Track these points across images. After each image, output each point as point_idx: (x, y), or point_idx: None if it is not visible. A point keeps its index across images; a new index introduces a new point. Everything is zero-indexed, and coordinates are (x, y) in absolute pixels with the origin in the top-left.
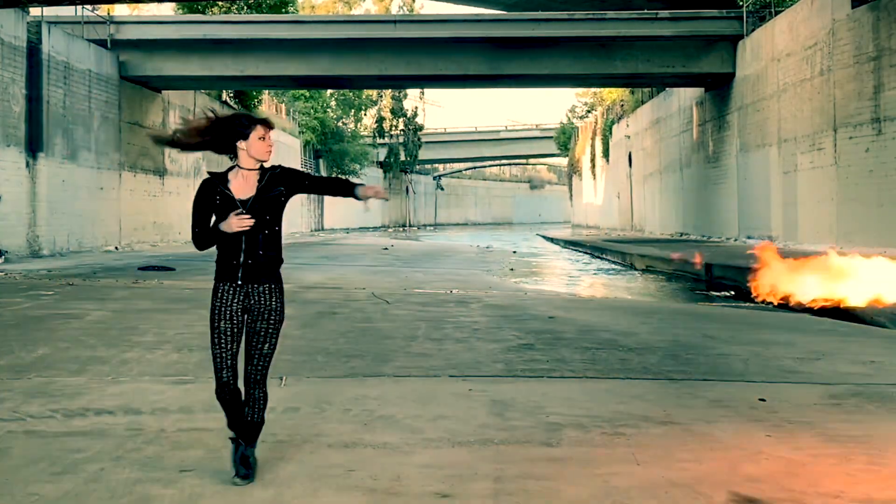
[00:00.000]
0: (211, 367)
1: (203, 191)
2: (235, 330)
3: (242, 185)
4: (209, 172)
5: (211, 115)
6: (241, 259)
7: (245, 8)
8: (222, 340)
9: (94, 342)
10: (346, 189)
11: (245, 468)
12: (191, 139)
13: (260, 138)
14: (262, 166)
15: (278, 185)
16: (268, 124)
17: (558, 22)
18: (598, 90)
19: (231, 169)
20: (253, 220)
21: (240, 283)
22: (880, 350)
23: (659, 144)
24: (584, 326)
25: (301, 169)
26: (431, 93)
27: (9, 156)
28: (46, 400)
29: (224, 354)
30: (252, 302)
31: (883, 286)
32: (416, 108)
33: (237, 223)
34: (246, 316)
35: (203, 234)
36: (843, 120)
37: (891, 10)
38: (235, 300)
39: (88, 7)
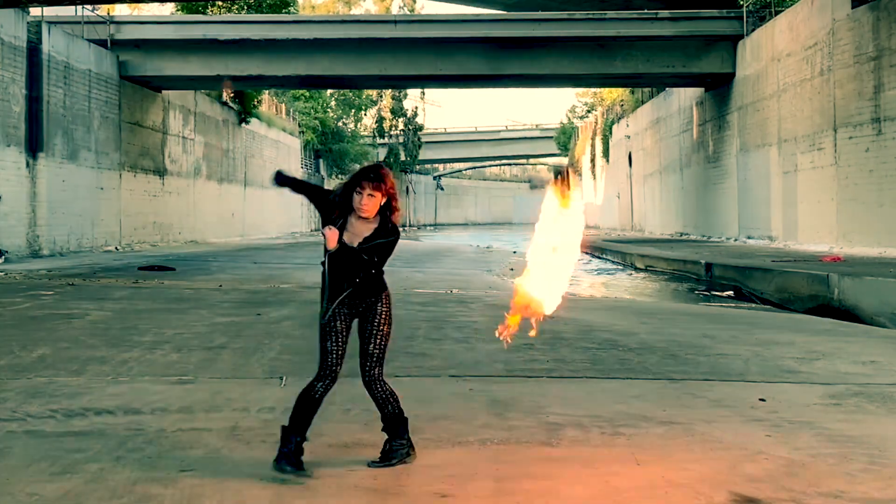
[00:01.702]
0: (212, 366)
1: None
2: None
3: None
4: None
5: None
6: None
7: (245, 8)
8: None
9: (94, 342)
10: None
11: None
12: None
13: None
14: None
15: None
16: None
17: (558, 22)
18: (598, 90)
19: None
20: None
21: None
22: (880, 350)
23: (659, 144)
24: (584, 326)
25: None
26: (431, 93)
27: (9, 156)
28: (46, 400)
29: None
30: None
31: None
32: (416, 108)
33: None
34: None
35: None
36: (844, 120)
37: (891, 10)
38: None
39: (88, 7)
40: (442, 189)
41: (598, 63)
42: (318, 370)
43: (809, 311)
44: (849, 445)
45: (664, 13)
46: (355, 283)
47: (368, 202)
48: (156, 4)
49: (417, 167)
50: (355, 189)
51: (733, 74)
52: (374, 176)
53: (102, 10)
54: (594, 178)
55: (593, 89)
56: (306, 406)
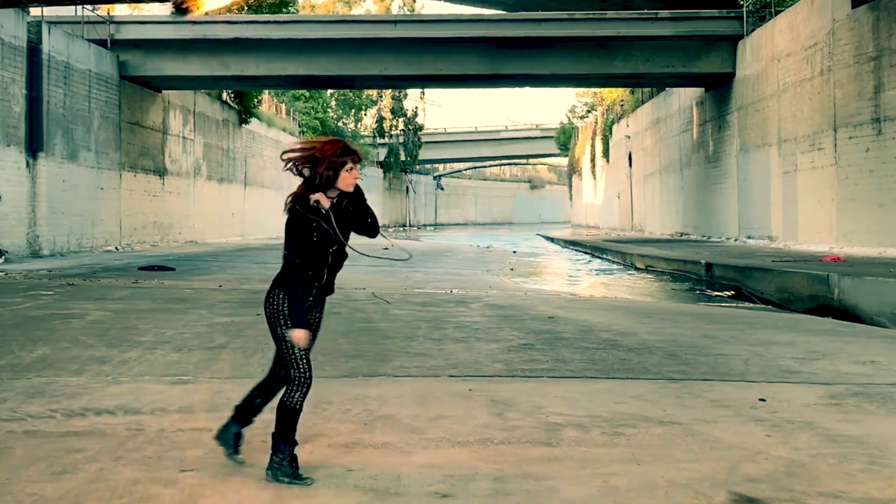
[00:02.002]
0: (212, 366)
1: None
2: None
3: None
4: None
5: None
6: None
7: (245, 8)
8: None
9: (94, 342)
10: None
11: None
12: None
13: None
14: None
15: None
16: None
17: (558, 22)
18: (598, 90)
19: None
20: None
21: None
22: (880, 350)
23: (659, 144)
24: (584, 326)
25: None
26: (431, 93)
27: (9, 156)
28: (46, 400)
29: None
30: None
31: None
32: (416, 108)
33: None
34: None
35: None
36: (843, 120)
37: (891, 10)
38: None
39: (88, 7)
40: (442, 189)
41: (598, 63)
42: (295, 379)
43: (809, 311)
44: (849, 445)
45: (664, 13)
46: (331, 271)
47: (358, 174)
48: (156, 4)
49: (417, 167)
50: (345, 168)
51: (733, 74)
52: (351, 148)
53: (102, 10)
54: (594, 178)
55: (593, 89)
56: (291, 417)
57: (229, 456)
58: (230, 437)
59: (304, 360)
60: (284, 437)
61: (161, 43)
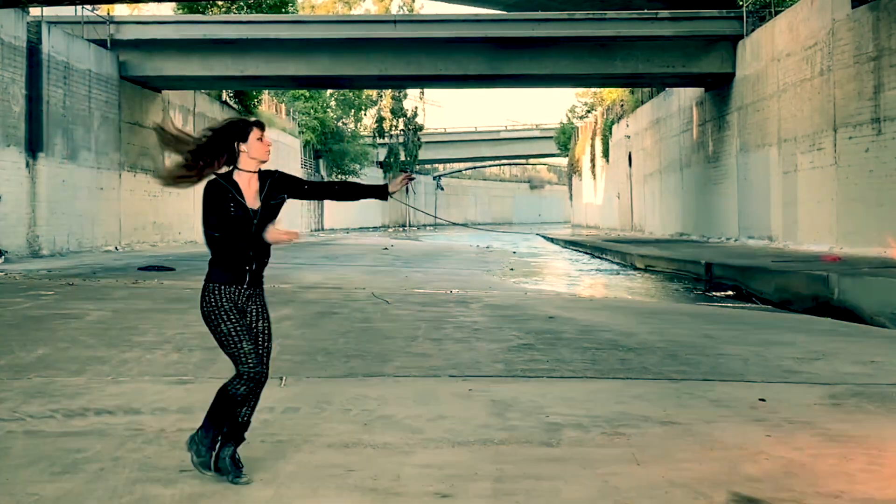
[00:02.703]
0: (212, 366)
1: (215, 193)
2: (242, 327)
3: (248, 192)
4: (214, 174)
5: (204, 133)
6: (252, 265)
7: (245, 8)
8: (245, 336)
9: (94, 342)
10: (367, 192)
11: (237, 467)
12: (187, 147)
13: (258, 139)
14: (260, 169)
15: (280, 192)
16: (262, 126)
17: (558, 22)
18: (598, 90)
19: (232, 172)
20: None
21: (245, 286)
22: (880, 350)
23: (659, 144)
24: (584, 326)
25: (298, 175)
26: (431, 93)
27: (9, 156)
28: (46, 400)
29: (253, 347)
30: (251, 304)
31: None
32: (416, 108)
33: (284, 236)
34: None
35: (226, 237)
36: (843, 120)
37: (891, 10)
38: (238, 302)
39: (88, 7)
40: (442, 189)
41: (598, 63)
42: (244, 375)
43: (809, 311)
44: (849, 445)
45: (664, 13)
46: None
47: (270, 146)
48: (155, 4)
49: (417, 167)
50: (257, 139)
51: (733, 74)
52: (259, 120)
53: (102, 10)
54: (594, 178)
55: (593, 89)
56: (225, 406)
57: (234, 481)
58: (228, 461)
59: (252, 356)
60: (214, 423)
61: (161, 43)
